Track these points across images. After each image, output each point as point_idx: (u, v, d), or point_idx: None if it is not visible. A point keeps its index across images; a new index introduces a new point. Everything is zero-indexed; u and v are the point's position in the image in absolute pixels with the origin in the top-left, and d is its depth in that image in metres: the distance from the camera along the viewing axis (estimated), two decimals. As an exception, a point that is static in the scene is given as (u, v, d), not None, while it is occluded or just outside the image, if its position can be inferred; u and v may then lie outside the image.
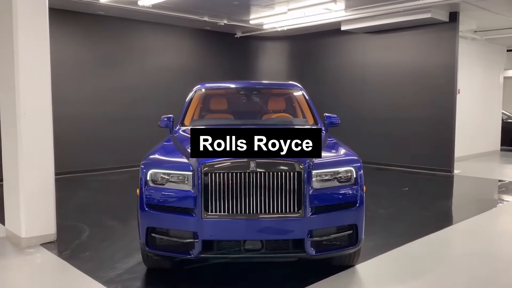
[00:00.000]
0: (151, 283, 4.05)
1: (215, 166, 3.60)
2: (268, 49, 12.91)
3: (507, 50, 14.07)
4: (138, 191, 3.86)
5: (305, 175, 3.61)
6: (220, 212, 3.58)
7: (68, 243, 5.11)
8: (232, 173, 3.57)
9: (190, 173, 3.67)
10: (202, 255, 3.61)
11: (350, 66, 11.46)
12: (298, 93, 5.65)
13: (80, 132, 9.72)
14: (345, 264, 4.31)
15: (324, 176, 3.74)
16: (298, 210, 3.60)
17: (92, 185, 8.85)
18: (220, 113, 5.53)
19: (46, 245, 5.01)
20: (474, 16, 9.97)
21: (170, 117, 5.29)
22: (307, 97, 5.53)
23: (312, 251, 3.65)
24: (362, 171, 3.92)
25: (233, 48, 12.37)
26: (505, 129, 14.20)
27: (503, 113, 14.27)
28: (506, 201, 7.35)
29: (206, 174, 3.59)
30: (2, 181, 5.36)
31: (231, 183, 3.57)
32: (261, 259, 3.82)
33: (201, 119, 5.35)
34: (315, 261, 4.49)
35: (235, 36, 12.30)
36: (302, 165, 3.62)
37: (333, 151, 4.21)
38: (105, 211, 6.71)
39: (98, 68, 10.05)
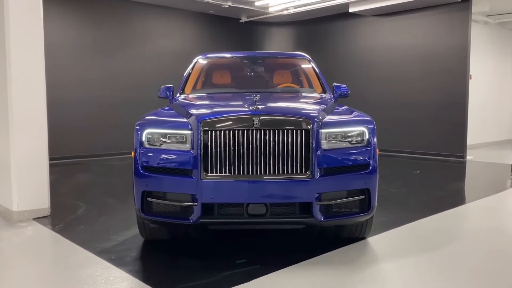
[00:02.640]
0: (147, 253, 3.78)
1: (216, 124, 3.31)
2: (273, 35, 12.61)
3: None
4: (133, 153, 3.58)
5: (314, 134, 3.32)
6: (221, 173, 3.29)
7: (62, 217, 4.85)
8: (234, 131, 3.29)
9: (189, 132, 3.39)
10: (202, 220, 3.32)
11: (359, 51, 11.13)
12: (305, 63, 5.36)
13: (79, 117, 9.44)
14: (355, 236, 4.01)
15: (334, 136, 3.45)
16: (305, 171, 3.30)
17: (91, 169, 8.58)
18: (223, 83, 5.23)
19: (39, 219, 4.76)
20: (487, -4, 9.64)
21: (170, 86, 5.01)
22: (315, 67, 5.25)
23: (320, 216, 3.35)
24: (375, 133, 3.62)
25: (238, 33, 12.07)
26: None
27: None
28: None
29: (205, 132, 3.31)
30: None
31: (233, 141, 3.29)
32: (266, 225, 3.54)
33: (202, 89, 5.07)
34: (323, 231, 4.22)
35: (240, 21, 12.01)
36: (310, 123, 3.33)
37: (343, 114, 3.90)
38: (103, 191, 6.46)
39: (98, 51, 9.79)
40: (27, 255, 3.78)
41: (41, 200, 4.84)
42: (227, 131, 3.29)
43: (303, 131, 3.31)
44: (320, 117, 3.46)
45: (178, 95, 4.83)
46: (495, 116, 12.54)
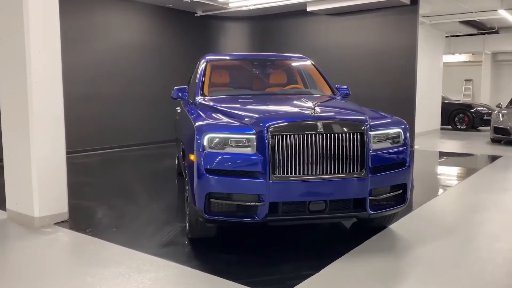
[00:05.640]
0: (204, 250, 3.93)
1: (283, 128, 3.56)
2: (228, 29, 12.76)
3: (446, 36, 15.13)
4: (192, 157, 3.71)
5: (367, 136, 3.70)
6: (287, 174, 3.55)
7: (84, 221, 4.79)
8: (300, 135, 3.56)
9: (253, 136, 3.61)
10: (268, 218, 3.57)
11: (313, 48, 11.64)
12: (309, 65, 5.71)
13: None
14: (382, 225, 4.47)
15: (379, 137, 3.85)
16: (361, 170, 3.67)
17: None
18: (238, 85, 5.44)
19: (60, 224, 4.66)
20: (430, 0, 10.59)
21: (184, 88, 5.20)
22: (318, 68, 5.62)
23: (370, 210, 3.75)
24: (408, 133, 4.09)
25: (193, 27, 12.07)
26: (443, 110, 15.28)
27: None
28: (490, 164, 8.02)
29: (273, 136, 3.54)
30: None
31: (299, 144, 3.56)
32: (323, 220, 3.88)
33: (219, 91, 5.23)
34: (338, 225, 4.63)
35: (195, 15, 12.02)
36: (364, 126, 3.69)
37: (377, 115, 4.27)
38: (100, 191, 6.36)
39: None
40: (80, 261, 3.75)
41: (61, 204, 4.75)
42: (293, 135, 3.55)
43: (359, 133, 3.67)
44: (369, 120, 3.84)
45: (199, 96, 4.94)
46: (427, 108, 13.80)
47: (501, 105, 12.93)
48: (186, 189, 4.36)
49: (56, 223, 4.66)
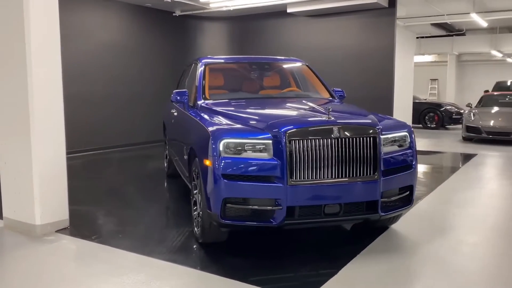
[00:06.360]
0: (217, 255, 3.92)
1: (300, 134, 3.60)
2: (206, 29, 12.69)
3: (416, 37, 15.57)
4: (208, 162, 3.71)
5: (379, 139, 3.79)
6: (304, 178, 3.60)
7: (85, 227, 4.69)
8: (317, 140, 3.62)
9: (270, 141, 3.64)
10: (286, 222, 3.61)
11: (292, 49, 11.74)
12: (305, 67, 5.78)
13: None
14: (386, 225, 4.59)
15: (388, 141, 3.96)
16: (374, 173, 3.76)
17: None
18: (237, 88, 5.45)
19: (61, 231, 4.55)
20: (406, 3, 10.89)
21: (184, 91, 5.15)
22: (315, 71, 5.70)
23: (381, 211, 3.85)
24: (414, 136, 4.22)
25: (172, 27, 11.93)
26: (414, 109, 15.73)
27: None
28: (471, 160, 8.33)
29: (291, 141, 3.58)
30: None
31: (315, 149, 3.61)
32: (337, 222, 3.97)
33: (219, 94, 5.22)
34: (339, 226, 4.72)
35: (174, 14, 11.90)
36: (377, 130, 3.79)
37: (382, 119, 4.37)
38: (92, 195, 6.21)
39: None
40: (95, 269, 3.66)
41: (62, 211, 4.64)
42: (309, 140, 3.61)
43: (372, 137, 3.76)
44: (379, 124, 3.94)
45: (201, 100, 4.92)
46: (400, 107, 14.17)
47: (471, 105, 13.41)
48: (193, 193, 4.36)
49: (57, 231, 4.55)
